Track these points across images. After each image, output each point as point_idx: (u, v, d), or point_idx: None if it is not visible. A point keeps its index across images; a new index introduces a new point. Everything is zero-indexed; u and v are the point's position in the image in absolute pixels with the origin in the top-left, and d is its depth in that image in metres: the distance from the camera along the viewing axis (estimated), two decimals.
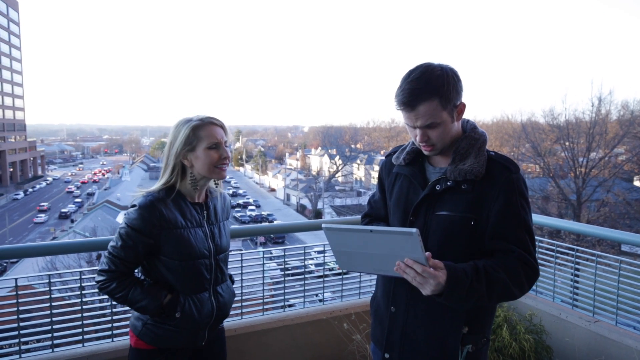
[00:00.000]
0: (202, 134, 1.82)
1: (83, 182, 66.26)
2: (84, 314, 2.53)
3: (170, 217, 1.79)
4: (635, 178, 30.68)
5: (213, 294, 1.92)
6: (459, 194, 1.59)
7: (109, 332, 2.61)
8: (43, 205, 46.07)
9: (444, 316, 1.61)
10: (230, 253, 2.10)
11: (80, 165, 73.40)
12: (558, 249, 3.16)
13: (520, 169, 1.62)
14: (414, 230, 1.31)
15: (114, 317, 2.61)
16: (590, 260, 2.99)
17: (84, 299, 2.55)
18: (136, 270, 1.90)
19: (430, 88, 1.51)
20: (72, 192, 57.50)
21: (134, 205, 1.79)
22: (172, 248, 1.80)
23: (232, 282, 2.15)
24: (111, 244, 1.81)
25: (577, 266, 3.08)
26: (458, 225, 1.58)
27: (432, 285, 1.38)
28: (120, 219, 35.56)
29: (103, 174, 76.46)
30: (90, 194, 55.60)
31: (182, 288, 1.84)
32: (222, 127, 1.87)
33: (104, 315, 2.69)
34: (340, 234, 1.43)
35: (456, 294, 1.41)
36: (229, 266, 2.90)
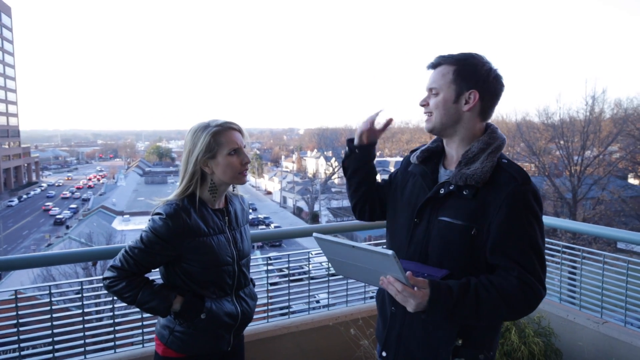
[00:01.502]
0: (223, 140, 1.79)
1: (78, 188, 65.85)
2: (85, 325, 2.48)
3: (194, 225, 1.76)
4: (629, 175, 30.89)
5: (236, 299, 1.90)
6: (461, 200, 1.53)
7: (112, 344, 2.56)
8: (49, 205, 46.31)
9: (439, 325, 1.57)
10: None
11: (68, 175, 71.79)
12: (564, 249, 3.14)
13: (531, 181, 1.51)
14: (390, 252, 1.32)
15: (117, 328, 2.55)
16: (597, 261, 2.97)
17: (85, 310, 2.49)
18: (156, 276, 1.89)
19: (457, 58, 1.54)
20: (67, 197, 57.15)
21: (158, 213, 1.75)
22: (195, 256, 1.77)
23: (254, 285, 2.11)
24: (130, 243, 1.79)
25: (582, 266, 3.05)
26: (458, 233, 1.52)
27: (412, 304, 1.38)
28: (116, 224, 35.43)
29: (98, 179, 76.09)
30: (86, 200, 55.26)
31: (204, 294, 1.82)
32: (240, 131, 1.85)
33: (105, 325, 2.64)
34: (329, 244, 1.46)
35: (438, 313, 1.41)
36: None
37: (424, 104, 1.61)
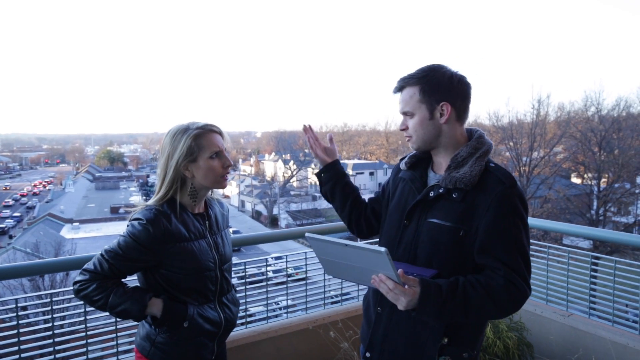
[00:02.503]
0: (204, 143, 1.75)
1: (22, 195, 62.33)
2: (55, 339, 2.35)
3: (174, 230, 1.71)
4: (572, 175, 32.69)
5: (219, 305, 1.86)
6: (450, 203, 1.58)
7: (84, 357, 2.44)
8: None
9: (426, 324, 1.61)
10: None
11: (6, 185, 66.44)
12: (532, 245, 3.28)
13: (517, 184, 1.57)
14: (383, 249, 1.34)
15: (89, 341, 2.44)
16: (562, 257, 3.12)
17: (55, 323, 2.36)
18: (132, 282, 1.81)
19: (419, 76, 1.60)
20: (10, 205, 53.92)
21: (138, 219, 1.69)
22: (176, 262, 1.72)
23: (235, 291, 2.08)
24: (106, 247, 1.71)
25: (549, 262, 3.20)
26: (446, 234, 1.57)
27: (403, 302, 1.41)
28: (65, 232, 33.78)
29: (44, 186, 72.33)
30: (30, 208, 52.38)
31: (186, 301, 1.77)
32: (220, 133, 1.82)
33: (77, 339, 2.51)
34: (321, 243, 1.47)
35: (428, 311, 1.44)
36: None
37: (404, 128, 1.67)
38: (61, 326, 2.43)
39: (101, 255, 1.71)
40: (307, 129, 1.94)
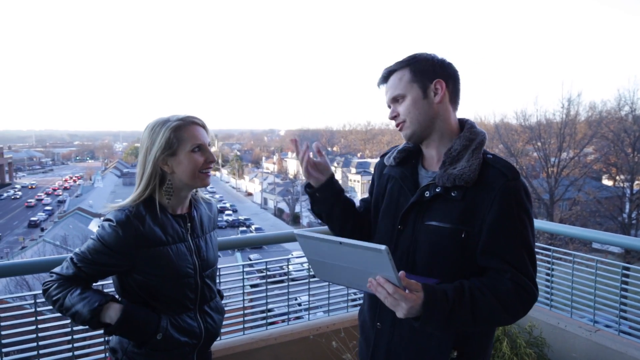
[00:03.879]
0: (185, 135, 1.59)
1: (54, 189, 64.17)
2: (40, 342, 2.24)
3: (148, 234, 1.55)
4: (603, 177, 31.59)
5: (200, 314, 1.69)
6: (449, 202, 1.43)
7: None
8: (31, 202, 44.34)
9: (432, 337, 1.45)
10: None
11: (32, 184, 67.23)
12: (554, 253, 3.02)
13: (520, 175, 1.43)
14: (383, 247, 1.16)
15: (75, 345, 2.32)
16: (590, 266, 2.85)
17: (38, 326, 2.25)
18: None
19: (405, 61, 1.49)
20: (42, 199, 55.53)
21: (108, 220, 1.55)
22: (150, 268, 1.56)
23: (222, 297, 1.92)
24: (76, 250, 1.59)
25: (574, 272, 2.93)
26: (447, 237, 1.42)
27: (404, 308, 1.23)
28: (93, 226, 34.56)
29: (74, 181, 74.30)
30: (61, 202, 53.87)
31: (162, 309, 1.61)
32: (203, 126, 1.66)
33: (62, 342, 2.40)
34: (312, 242, 1.32)
35: (434, 319, 1.26)
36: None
37: (395, 115, 1.51)
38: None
39: (70, 258, 1.59)
40: (294, 141, 1.65)
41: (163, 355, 1.61)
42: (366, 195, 1.80)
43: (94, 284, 1.64)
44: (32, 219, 43.44)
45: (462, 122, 1.54)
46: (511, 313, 1.36)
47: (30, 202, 53.60)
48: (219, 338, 2.67)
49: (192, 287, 1.66)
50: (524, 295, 1.36)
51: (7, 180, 70.54)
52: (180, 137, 1.58)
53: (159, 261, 1.57)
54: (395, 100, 1.49)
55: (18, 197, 54.26)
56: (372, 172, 1.77)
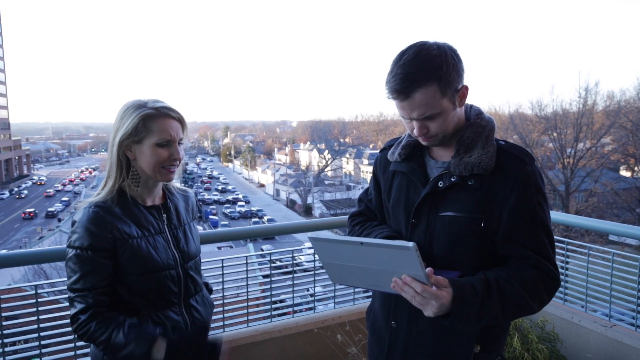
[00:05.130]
0: (154, 126, 1.50)
1: (70, 180, 65.11)
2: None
3: (121, 226, 1.48)
4: (621, 168, 31.00)
5: (185, 308, 1.62)
6: (466, 191, 1.38)
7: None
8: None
9: (453, 333, 1.40)
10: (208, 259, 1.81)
11: (41, 179, 67.08)
12: (568, 246, 2.91)
13: (535, 160, 1.39)
14: (410, 244, 1.11)
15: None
16: (605, 259, 2.74)
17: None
18: None
19: (427, 71, 1.29)
20: (59, 190, 56.40)
21: (74, 222, 1.46)
22: (128, 262, 1.48)
23: (210, 291, 1.86)
24: (68, 282, 1.46)
25: (589, 265, 2.82)
26: (465, 227, 1.37)
27: (434, 306, 1.19)
28: None
29: (90, 172, 75.26)
30: (77, 193, 54.68)
31: (144, 306, 1.53)
32: (180, 120, 1.56)
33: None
34: (328, 245, 1.28)
35: (465, 316, 1.21)
36: (209, 273, 2.63)
37: (425, 131, 1.37)
38: None
39: (73, 292, 1.45)
40: None
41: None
42: None
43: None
44: (50, 209, 44.17)
45: (466, 108, 1.48)
46: (537, 301, 1.33)
47: (49, 191, 54.50)
48: (222, 330, 2.64)
49: (175, 280, 1.58)
50: (549, 281, 1.33)
51: (25, 171, 71.77)
52: (149, 127, 1.49)
53: (136, 254, 1.49)
54: (426, 118, 1.35)
55: (24, 196, 54.95)
56: (373, 167, 1.69)
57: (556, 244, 2.85)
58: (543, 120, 28.81)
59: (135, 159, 1.53)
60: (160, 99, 1.57)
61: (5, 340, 2.14)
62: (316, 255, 2.76)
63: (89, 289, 1.43)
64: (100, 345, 1.45)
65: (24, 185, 61.85)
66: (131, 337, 1.43)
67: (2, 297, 2.15)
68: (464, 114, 1.45)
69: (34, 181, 65.27)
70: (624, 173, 30.61)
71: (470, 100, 1.45)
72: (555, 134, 27.38)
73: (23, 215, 43.15)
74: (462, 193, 1.38)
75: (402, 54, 1.33)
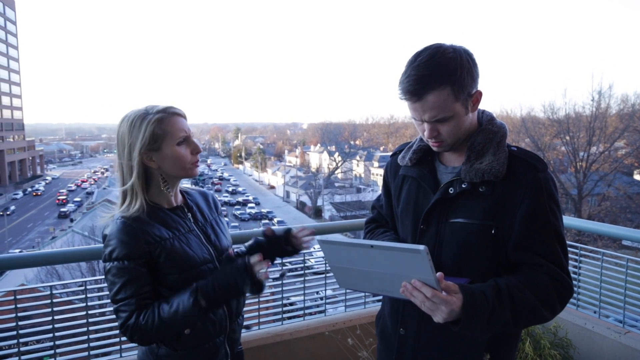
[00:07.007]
0: (168, 128, 1.51)
1: (83, 181, 65.84)
2: (90, 328, 2.34)
3: (152, 231, 1.49)
4: (635, 172, 30.58)
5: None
6: (477, 198, 1.36)
7: (117, 347, 2.39)
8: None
9: (462, 341, 1.38)
10: None
11: (44, 178, 68.28)
12: (581, 251, 2.89)
13: (548, 166, 1.37)
14: (422, 247, 1.09)
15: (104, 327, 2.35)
16: (619, 265, 2.72)
17: (89, 312, 2.34)
18: None
19: (441, 74, 1.28)
20: (72, 190, 57.10)
21: (105, 236, 1.48)
22: (166, 264, 1.49)
23: None
24: (111, 294, 1.47)
25: (603, 271, 2.80)
26: (476, 234, 1.36)
27: (444, 312, 1.16)
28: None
29: (102, 173, 76.04)
30: (90, 193, 55.25)
31: None
32: (184, 116, 1.59)
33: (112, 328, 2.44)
34: (337, 248, 1.26)
35: (475, 322, 1.19)
36: None
37: (435, 134, 1.37)
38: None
39: (117, 302, 1.45)
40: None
41: (194, 353, 1.56)
42: None
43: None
44: (62, 210, 44.70)
45: (478, 113, 1.47)
46: (549, 309, 1.31)
47: (62, 192, 55.25)
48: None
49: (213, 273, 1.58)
50: (561, 289, 1.31)
51: (38, 172, 72.78)
52: (165, 130, 1.50)
53: (174, 254, 1.50)
54: (438, 120, 1.35)
55: (40, 193, 55.89)
56: (384, 173, 1.69)
57: (569, 249, 2.86)
58: (555, 124, 28.52)
59: (159, 167, 1.53)
60: (153, 102, 1.60)
61: (20, 340, 2.18)
62: None
63: (131, 297, 1.44)
64: (158, 331, 1.43)
65: (42, 183, 62.77)
66: (173, 300, 1.43)
67: (18, 297, 2.18)
68: (477, 119, 1.45)
69: (47, 181, 66.16)
70: (638, 177, 30.17)
71: (482, 102, 1.43)
72: (567, 138, 27.08)
73: (57, 201, 46.02)
74: (473, 200, 1.37)
75: (417, 55, 1.32)
